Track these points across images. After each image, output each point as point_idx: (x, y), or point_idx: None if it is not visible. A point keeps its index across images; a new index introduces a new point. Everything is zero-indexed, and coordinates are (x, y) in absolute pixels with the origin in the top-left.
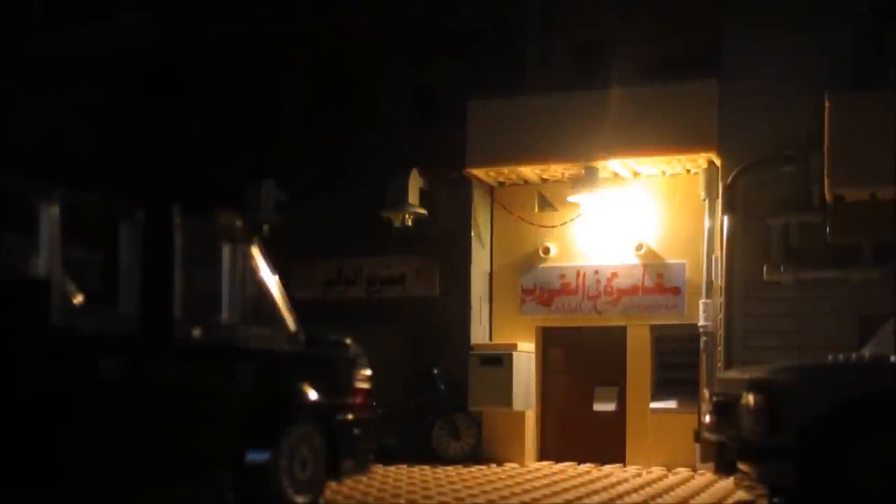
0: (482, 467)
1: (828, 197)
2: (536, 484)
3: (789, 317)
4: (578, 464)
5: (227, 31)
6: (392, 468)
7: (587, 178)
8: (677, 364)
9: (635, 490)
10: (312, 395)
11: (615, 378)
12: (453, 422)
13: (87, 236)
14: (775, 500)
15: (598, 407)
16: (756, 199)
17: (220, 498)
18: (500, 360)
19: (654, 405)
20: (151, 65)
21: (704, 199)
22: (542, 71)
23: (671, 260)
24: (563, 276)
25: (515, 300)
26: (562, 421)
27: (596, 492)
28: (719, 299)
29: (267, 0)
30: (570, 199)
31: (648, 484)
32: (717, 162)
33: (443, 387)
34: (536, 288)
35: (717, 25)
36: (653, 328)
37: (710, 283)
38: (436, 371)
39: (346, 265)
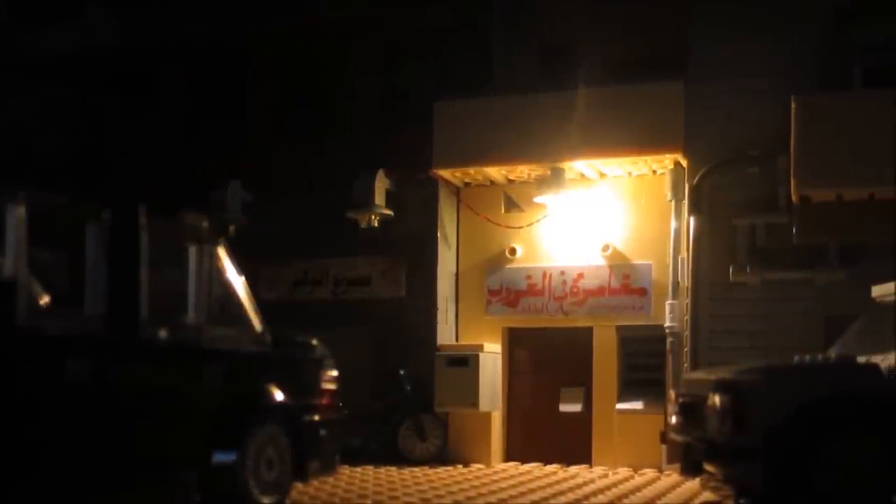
0: (448, 468)
1: (794, 198)
2: (503, 485)
3: (755, 318)
4: (544, 464)
5: (195, 32)
6: (358, 469)
7: (553, 179)
8: (643, 365)
9: (601, 491)
10: (279, 395)
11: (581, 379)
12: (419, 422)
13: (53, 237)
14: (742, 500)
15: (565, 408)
16: (722, 199)
17: (187, 498)
18: (466, 361)
19: (620, 406)
20: (119, 66)
21: (671, 200)
22: (509, 72)
23: (637, 261)
24: (529, 276)
25: (482, 301)
26: (528, 422)
27: (562, 492)
28: (685, 300)
29: (235, 1)
30: (537, 199)
31: (615, 485)
32: (684, 163)
33: (409, 387)
34: (503, 289)
35: (683, 27)
36: (619, 329)
37: (676, 284)
38: (402, 372)
39: (312, 266)
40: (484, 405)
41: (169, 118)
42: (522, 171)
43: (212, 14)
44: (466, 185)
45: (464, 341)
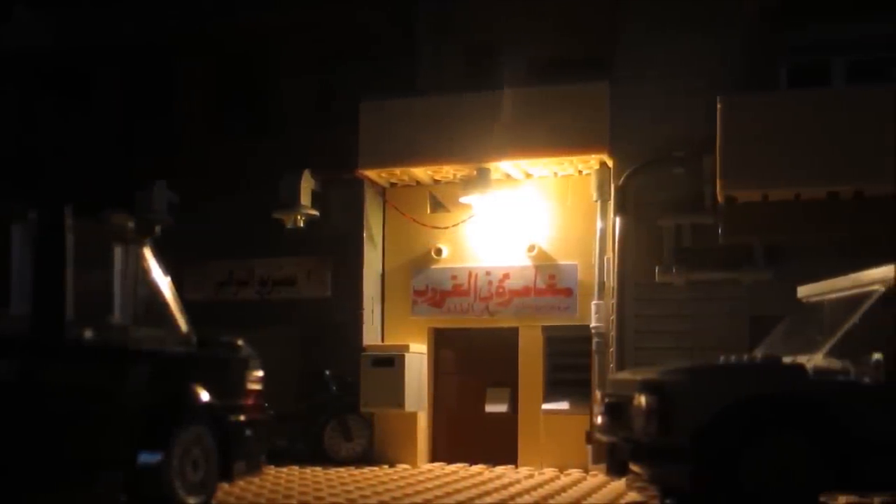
0: (374, 468)
1: (720, 198)
2: (429, 485)
3: (681, 318)
4: (470, 465)
5: (129, 32)
6: (284, 469)
7: (479, 180)
8: (569, 365)
9: (527, 491)
10: (204, 396)
11: (507, 379)
12: (345, 423)
13: None
14: (667, 500)
15: (490, 408)
16: (648, 200)
17: (112, 499)
18: (391, 362)
19: (546, 406)
20: (52, 65)
21: (596, 201)
22: (435, 72)
23: (563, 261)
24: (454, 277)
25: (407, 301)
26: (454, 422)
27: (488, 493)
28: (611, 300)
29: (167, 2)
30: (462, 200)
31: (541, 485)
32: (610, 163)
33: (335, 388)
34: (428, 289)
35: (608, 27)
36: (545, 329)
37: (602, 285)
38: (328, 372)
39: (238, 266)
40: (410, 405)
41: (101, 118)
42: (448, 172)
43: (144, 14)
44: (392, 185)
45: (389, 342)
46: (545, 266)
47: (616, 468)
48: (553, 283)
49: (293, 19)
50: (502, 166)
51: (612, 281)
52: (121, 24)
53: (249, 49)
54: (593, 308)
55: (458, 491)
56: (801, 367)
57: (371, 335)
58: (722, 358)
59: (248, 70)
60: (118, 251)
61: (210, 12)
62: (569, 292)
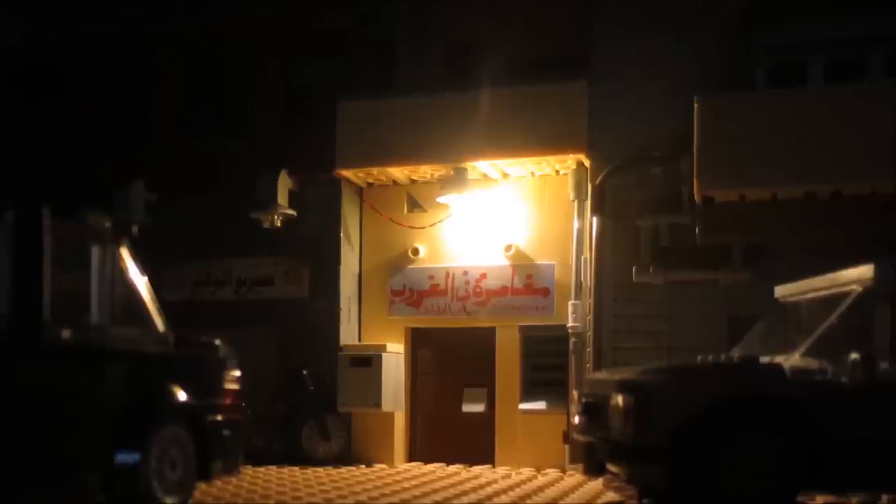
0: (352, 468)
1: (697, 198)
2: (406, 485)
3: (659, 318)
4: (448, 465)
5: (99, 31)
6: (262, 469)
7: (456, 179)
8: (546, 365)
9: (504, 491)
10: (182, 396)
11: (484, 379)
12: (323, 423)
13: None
14: (645, 500)
15: (468, 408)
16: (626, 200)
17: (90, 499)
18: (369, 362)
19: (523, 406)
20: (23, 65)
21: (574, 200)
22: (412, 72)
23: (541, 261)
24: (432, 277)
25: (385, 301)
26: (431, 422)
27: (465, 493)
28: (589, 300)
29: (138, 1)
30: (440, 199)
31: (518, 485)
32: (587, 163)
33: (312, 388)
34: (406, 289)
35: (587, 26)
36: (522, 329)
37: (579, 285)
38: (305, 372)
39: (215, 266)
40: (387, 405)
41: (72, 118)
42: (425, 172)
43: (116, 14)
44: (369, 185)
45: (367, 341)
46: (522, 266)
47: (593, 468)
48: (530, 283)
49: (266, 19)
50: (480, 166)
51: (589, 281)
52: (92, 23)
53: (223, 48)
54: (570, 308)
55: (435, 491)
56: (778, 367)
57: (348, 335)
58: (699, 358)
59: (222, 69)
60: (96, 251)
61: (181, 12)
62: (546, 292)
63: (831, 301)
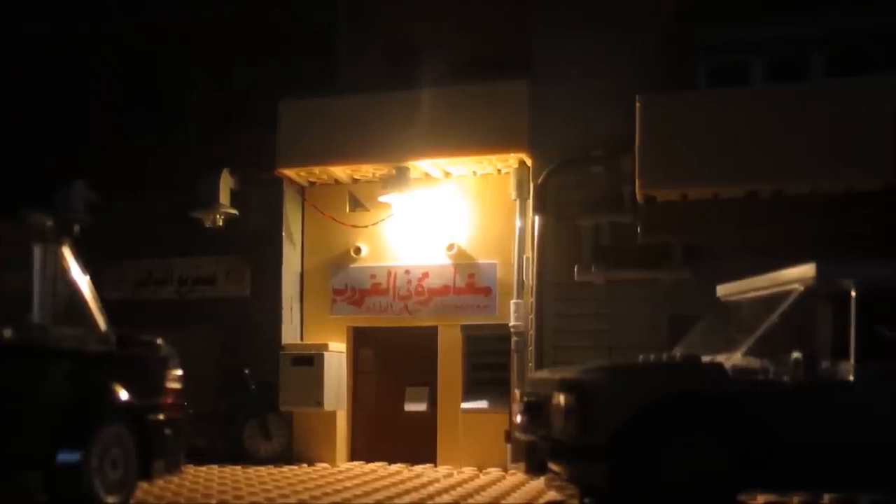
0: (293, 467)
1: (638, 197)
2: (347, 484)
3: (600, 317)
4: (389, 464)
5: (35, 30)
6: (203, 468)
7: (398, 179)
8: (488, 364)
9: (446, 490)
10: (123, 395)
11: (426, 378)
12: (265, 422)
13: None
14: (586, 500)
15: (410, 407)
16: (567, 199)
17: (31, 498)
18: (310, 361)
19: (465, 405)
20: None
21: (515, 199)
22: (354, 71)
23: (482, 260)
24: (373, 276)
25: (327, 300)
26: (373, 421)
27: (407, 492)
28: (530, 299)
29: (74, 0)
30: (382, 199)
31: (459, 484)
32: (528, 162)
33: (254, 387)
34: (347, 288)
35: (527, 26)
36: (464, 328)
37: (521, 283)
38: (247, 371)
39: (156, 265)
40: (329, 404)
41: (10, 117)
42: (367, 171)
43: (51, 13)
44: (311, 184)
45: (309, 340)
46: (464, 265)
47: (535, 467)
48: (472, 282)
49: (204, 17)
50: (421, 165)
51: (531, 280)
52: (28, 22)
53: (161, 47)
54: (512, 307)
55: (376, 490)
56: (720, 367)
57: (290, 334)
58: (641, 357)
59: (161, 68)
60: (37, 251)
61: (118, 10)
62: (488, 291)
63: (773, 300)
